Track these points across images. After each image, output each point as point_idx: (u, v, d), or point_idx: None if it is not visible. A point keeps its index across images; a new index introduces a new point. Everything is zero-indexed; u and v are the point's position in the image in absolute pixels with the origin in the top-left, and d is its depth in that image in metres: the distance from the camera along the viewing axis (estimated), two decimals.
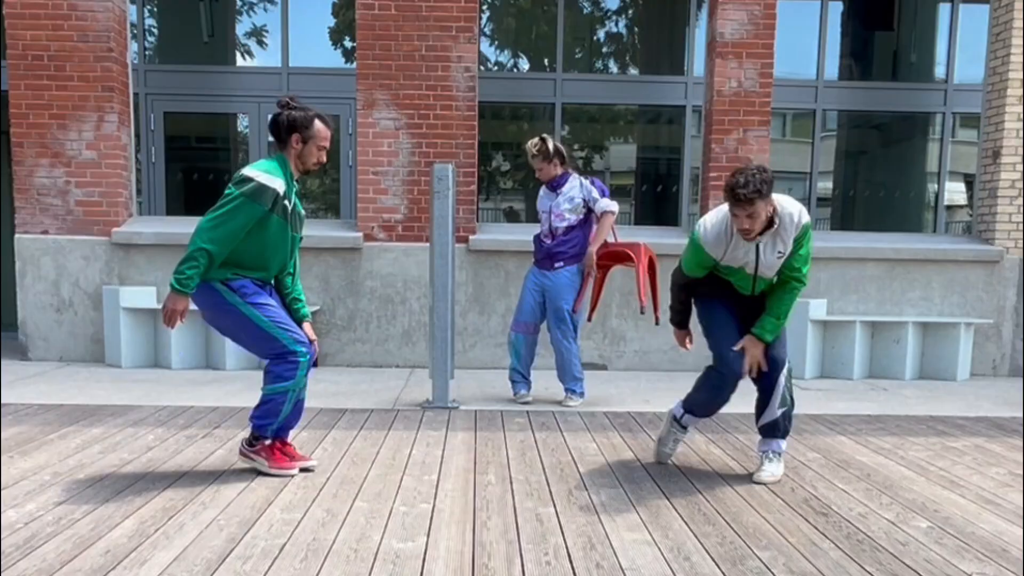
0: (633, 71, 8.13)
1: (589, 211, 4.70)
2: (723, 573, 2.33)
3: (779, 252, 3.05)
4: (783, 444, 3.36)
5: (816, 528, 2.74)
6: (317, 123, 3.16)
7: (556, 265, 4.73)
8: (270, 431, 3.26)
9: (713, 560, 2.43)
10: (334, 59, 7.56)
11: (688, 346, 3.48)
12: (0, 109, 6.57)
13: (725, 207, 3.02)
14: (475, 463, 3.51)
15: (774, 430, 3.31)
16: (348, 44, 7.51)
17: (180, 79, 6.98)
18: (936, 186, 7.63)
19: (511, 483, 3.21)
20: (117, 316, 5.94)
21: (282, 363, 3.20)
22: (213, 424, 4.16)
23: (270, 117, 3.27)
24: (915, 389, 5.74)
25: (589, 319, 4.95)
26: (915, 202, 8.21)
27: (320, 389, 5.24)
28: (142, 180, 6.89)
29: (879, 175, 8.37)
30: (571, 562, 2.39)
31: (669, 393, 5.22)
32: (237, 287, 3.10)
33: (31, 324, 6.27)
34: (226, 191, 3.03)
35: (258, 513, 2.79)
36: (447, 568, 2.33)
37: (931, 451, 3.88)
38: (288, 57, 6.89)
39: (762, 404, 3.30)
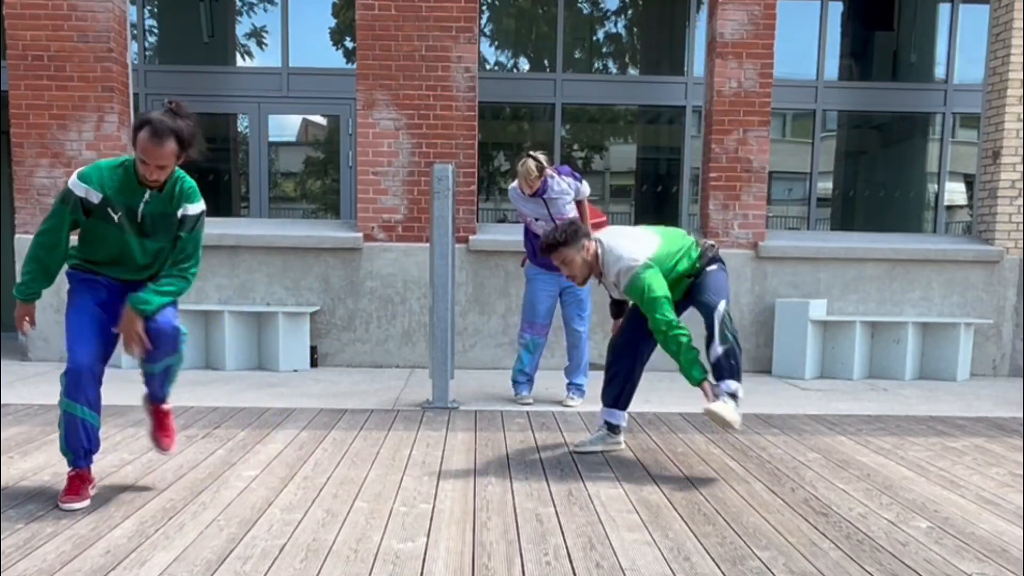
0: (633, 71, 8.13)
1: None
2: (723, 573, 2.33)
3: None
4: (732, 384, 3.29)
5: (816, 528, 2.74)
6: (140, 133, 2.64)
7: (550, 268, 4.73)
8: (68, 458, 2.89)
9: (713, 560, 2.43)
10: (334, 59, 7.56)
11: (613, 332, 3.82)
12: (0, 109, 6.57)
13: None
14: (475, 463, 3.51)
15: (719, 369, 3.33)
16: (348, 44, 7.51)
17: (180, 79, 6.98)
18: (936, 186, 7.63)
19: (511, 483, 3.21)
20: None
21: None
22: (213, 424, 4.16)
23: None
24: (915, 389, 5.74)
25: None
26: (915, 202, 8.22)
27: (320, 389, 5.24)
28: None
29: (879, 175, 8.38)
30: (571, 562, 2.39)
31: (669, 393, 5.23)
32: (70, 274, 2.97)
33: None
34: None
35: (258, 513, 2.79)
36: (447, 568, 2.33)
37: (931, 451, 3.88)
38: (288, 57, 6.89)
39: (707, 343, 3.38)
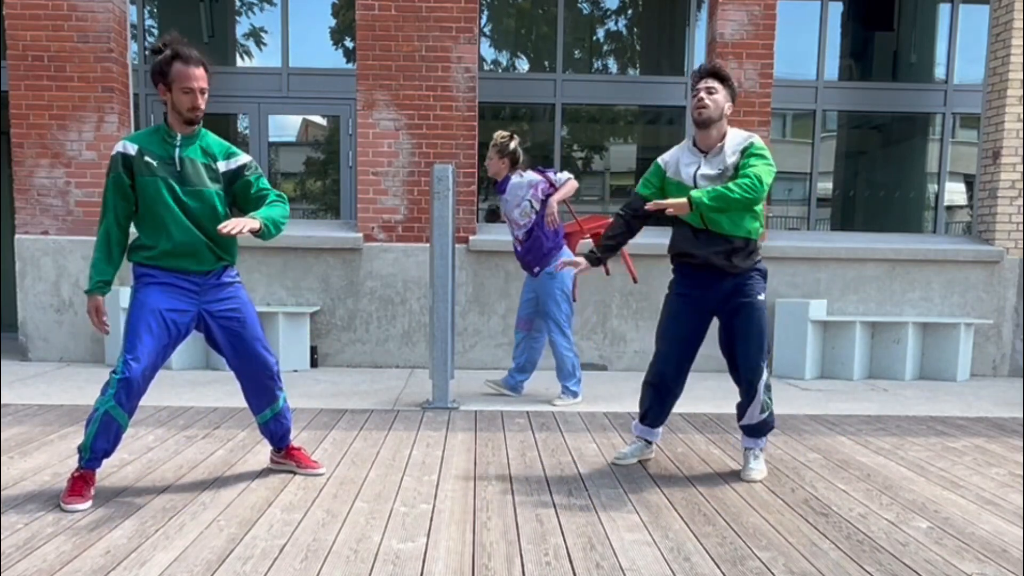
0: (633, 71, 8.13)
1: (542, 204, 4.68)
2: (723, 573, 2.33)
3: (719, 169, 3.17)
4: (764, 441, 3.44)
5: (816, 528, 2.74)
6: (175, 64, 2.79)
7: (535, 271, 4.78)
8: (84, 456, 2.86)
9: (713, 560, 2.43)
10: (334, 59, 7.56)
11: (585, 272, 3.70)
12: (0, 109, 6.57)
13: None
14: (475, 464, 3.51)
15: (757, 432, 3.37)
16: (348, 44, 7.51)
17: None
18: (936, 186, 7.62)
19: (511, 483, 3.21)
20: (117, 316, 5.93)
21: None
22: (213, 424, 4.16)
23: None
24: (915, 389, 5.74)
25: (574, 299, 4.95)
26: (915, 202, 8.21)
27: (320, 389, 5.24)
28: None
29: (879, 175, 8.37)
30: (571, 562, 2.39)
31: None
32: (136, 271, 2.94)
33: (31, 324, 6.27)
34: None
35: (258, 513, 2.79)
36: (447, 568, 2.33)
37: (931, 451, 3.88)
38: (288, 57, 6.89)
39: (743, 407, 3.36)
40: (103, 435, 2.83)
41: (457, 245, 5.53)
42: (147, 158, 2.85)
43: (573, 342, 4.86)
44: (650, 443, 3.63)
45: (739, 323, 3.23)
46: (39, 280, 6.23)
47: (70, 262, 6.22)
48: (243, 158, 3.01)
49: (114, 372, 2.78)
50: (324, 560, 2.37)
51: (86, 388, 5.14)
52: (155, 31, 7.55)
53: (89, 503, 2.82)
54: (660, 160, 3.40)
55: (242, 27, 7.56)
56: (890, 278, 6.52)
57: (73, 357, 6.29)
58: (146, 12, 7.36)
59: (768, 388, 3.29)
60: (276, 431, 3.27)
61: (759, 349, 3.24)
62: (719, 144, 3.19)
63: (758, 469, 3.36)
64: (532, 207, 4.67)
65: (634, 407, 4.83)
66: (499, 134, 4.75)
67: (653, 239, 6.40)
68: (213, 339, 3.06)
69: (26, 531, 2.57)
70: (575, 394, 4.90)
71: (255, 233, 2.82)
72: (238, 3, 7.57)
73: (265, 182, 3.04)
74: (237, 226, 2.74)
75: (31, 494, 2.95)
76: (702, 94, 3.16)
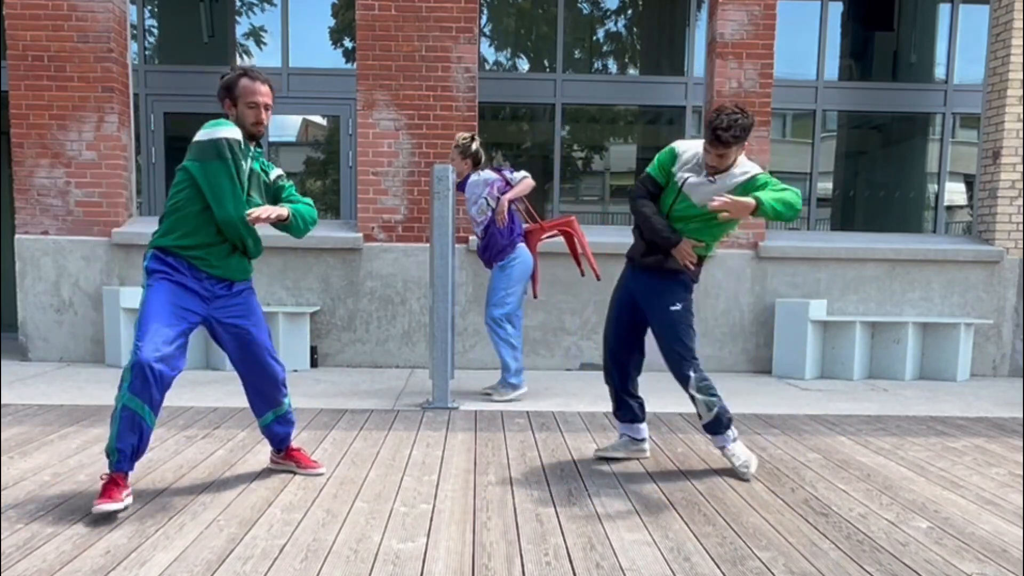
0: (633, 71, 8.13)
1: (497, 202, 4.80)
2: (723, 573, 2.33)
3: (715, 190, 3.13)
4: (730, 433, 3.38)
5: (816, 528, 2.74)
6: (242, 81, 2.92)
7: (492, 265, 4.92)
8: (112, 458, 2.74)
9: (713, 560, 2.43)
10: (334, 59, 7.56)
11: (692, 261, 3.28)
12: (0, 109, 6.57)
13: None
14: (475, 463, 3.51)
15: (714, 428, 3.36)
16: (348, 44, 7.51)
17: (180, 79, 6.98)
18: (936, 186, 7.62)
19: (511, 483, 3.21)
20: (117, 317, 5.94)
21: None
22: (213, 424, 4.16)
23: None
24: (915, 389, 5.74)
25: (535, 296, 5.15)
26: (915, 202, 8.21)
27: (320, 389, 5.24)
28: (142, 181, 6.90)
29: (879, 175, 8.38)
30: (571, 562, 2.39)
31: (669, 393, 5.20)
32: (153, 260, 2.89)
33: (31, 324, 6.27)
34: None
35: (258, 513, 2.79)
36: (447, 568, 2.33)
37: (931, 451, 3.88)
38: (288, 57, 6.89)
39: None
40: (126, 432, 2.69)
41: (457, 245, 5.53)
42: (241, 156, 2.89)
43: (511, 334, 4.91)
44: (637, 440, 3.63)
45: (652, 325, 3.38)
46: (39, 280, 6.23)
47: (70, 262, 6.22)
48: (278, 169, 3.13)
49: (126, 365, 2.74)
50: (324, 560, 2.37)
51: (86, 388, 5.14)
52: (155, 31, 7.55)
53: (121, 504, 2.68)
54: (679, 148, 3.27)
55: (242, 27, 7.56)
56: (890, 278, 6.52)
57: (73, 357, 6.29)
58: (146, 12, 7.36)
59: (703, 389, 3.26)
60: (278, 433, 3.26)
61: (680, 348, 3.30)
62: (725, 173, 3.21)
63: (742, 459, 3.36)
64: (488, 204, 4.77)
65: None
66: (460, 135, 4.90)
67: None
68: (219, 342, 3.06)
69: (26, 531, 2.57)
70: (514, 387, 4.96)
71: (282, 221, 2.89)
72: (238, 3, 7.57)
73: (295, 190, 3.14)
74: (265, 212, 2.78)
75: (31, 494, 2.95)
76: (717, 158, 3.11)
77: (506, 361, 4.92)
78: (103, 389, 5.10)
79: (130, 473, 2.80)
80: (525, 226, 5.01)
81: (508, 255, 4.80)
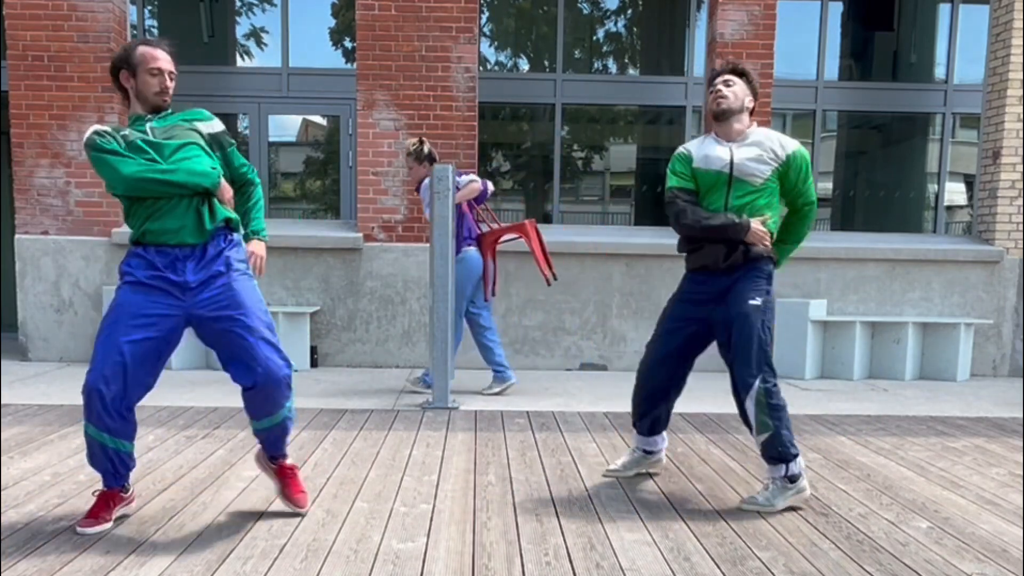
0: (633, 71, 8.13)
1: (457, 205, 4.84)
2: (723, 573, 2.33)
3: (756, 155, 2.96)
4: (783, 469, 2.92)
5: (816, 528, 2.74)
6: (138, 50, 2.64)
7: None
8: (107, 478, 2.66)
9: (713, 560, 2.43)
10: (334, 59, 7.56)
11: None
12: (0, 109, 6.57)
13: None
14: (475, 463, 3.51)
15: (766, 456, 2.95)
16: (348, 44, 7.51)
17: (180, 79, 6.90)
18: (936, 186, 7.62)
19: (511, 483, 3.21)
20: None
21: None
22: (213, 424, 4.16)
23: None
24: (915, 389, 5.74)
25: (493, 294, 5.15)
26: (915, 202, 8.21)
27: (320, 389, 5.24)
28: None
29: (879, 175, 8.37)
30: (571, 562, 2.39)
31: None
32: (124, 265, 2.70)
33: (31, 324, 6.27)
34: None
35: (258, 513, 2.79)
36: (447, 568, 2.33)
37: (931, 451, 3.88)
38: (288, 57, 6.89)
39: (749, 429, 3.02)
40: (96, 459, 2.61)
41: None
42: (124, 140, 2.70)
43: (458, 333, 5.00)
44: (651, 452, 3.36)
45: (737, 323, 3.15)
46: (39, 280, 6.23)
47: (70, 262, 6.22)
48: (216, 127, 2.89)
49: None
50: (324, 560, 2.37)
51: None
52: (155, 31, 7.55)
53: (107, 525, 2.59)
54: (684, 150, 3.10)
55: (242, 27, 7.56)
56: (890, 278, 6.52)
57: (73, 357, 6.29)
58: (146, 12, 7.36)
59: (762, 405, 2.87)
60: (269, 438, 2.80)
61: (745, 361, 2.94)
62: (741, 138, 3.01)
63: (763, 499, 2.93)
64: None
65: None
66: (409, 142, 5.04)
67: (653, 239, 6.41)
68: (208, 343, 2.82)
69: (26, 531, 2.57)
70: (506, 380, 5.08)
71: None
72: (238, 3, 7.57)
73: (238, 160, 3.00)
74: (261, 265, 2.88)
75: (31, 494, 2.95)
76: (719, 86, 3.01)
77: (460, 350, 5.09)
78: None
79: (128, 481, 2.72)
80: (488, 229, 5.07)
81: (461, 251, 4.88)
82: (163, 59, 2.68)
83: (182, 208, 2.60)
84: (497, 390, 5.09)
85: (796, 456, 2.93)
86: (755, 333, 2.89)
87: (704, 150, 3.04)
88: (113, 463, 2.61)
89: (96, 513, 2.62)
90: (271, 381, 2.61)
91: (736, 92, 3.01)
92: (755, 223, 2.94)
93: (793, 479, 2.92)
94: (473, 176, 4.98)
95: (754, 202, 2.97)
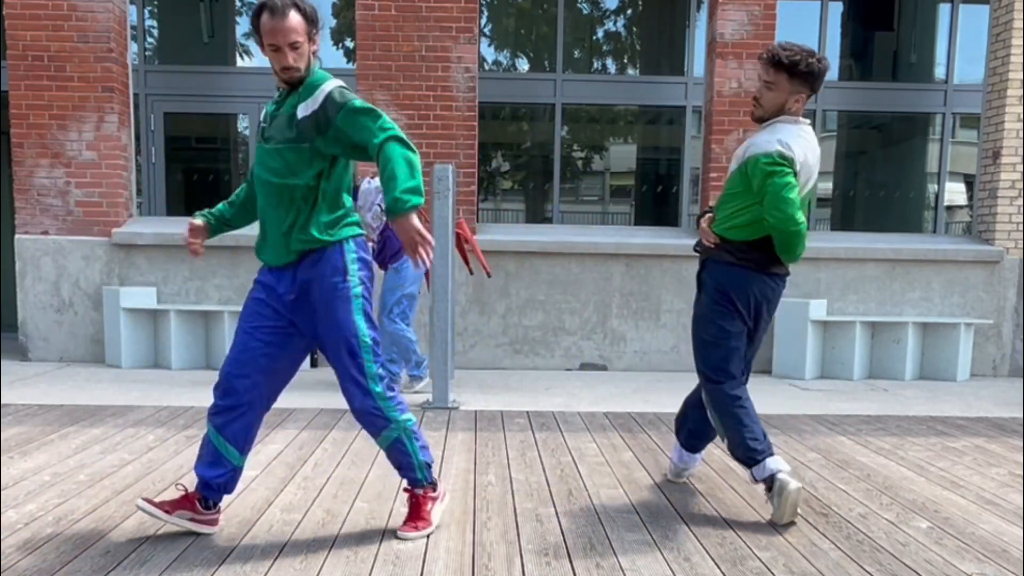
0: (633, 71, 8.14)
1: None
2: (723, 573, 2.33)
3: (739, 152, 2.85)
4: (754, 471, 2.77)
5: (816, 528, 2.74)
6: (261, 19, 2.35)
7: (384, 268, 5.02)
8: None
9: (713, 560, 2.43)
10: (334, 59, 7.56)
11: None
12: (0, 109, 6.57)
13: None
14: (475, 463, 3.51)
15: (734, 456, 2.87)
16: (348, 44, 7.51)
17: (180, 79, 6.97)
18: (936, 186, 7.62)
19: (511, 483, 3.21)
20: (117, 316, 5.94)
21: None
22: None
23: None
24: (915, 389, 5.74)
25: (488, 275, 5.37)
26: (915, 202, 8.21)
27: (320, 389, 5.24)
28: (142, 181, 6.89)
29: (879, 175, 8.38)
30: (571, 562, 2.39)
31: (669, 393, 5.22)
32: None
33: (31, 324, 6.27)
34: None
35: (258, 513, 2.79)
36: (447, 568, 2.33)
37: (931, 451, 3.88)
38: None
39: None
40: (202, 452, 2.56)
41: None
42: (262, 123, 2.71)
43: (408, 329, 5.01)
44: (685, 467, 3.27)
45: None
46: (39, 280, 6.23)
47: (70, 262, 6.22)
48: (319, 95, 2.44)
49: None
50: (324, 560, 2.37)
51: (86, 388, 5.14)
52: (155, 31, 7.55)
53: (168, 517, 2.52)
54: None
55: (242, 27, 7.56)
56: (890, 278, 6.52)
57: (73, 357, 6.29)
58: (146, 12, 7.36)
59: (713, 405, 2.90)
60: (391, 461, 2.64)
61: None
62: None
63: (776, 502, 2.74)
64: (382, 210, 4.83)
65: (635, 407, 4.85)
66: None
67: (653, 239, 6.40)
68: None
69: (26, 531, 2.57)
70: (419, 378, 5.12)
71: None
72: (238, 3, 7.57)
73: (359, 125, 2.44)
74: (418, 247, 2.38)
75: (31, 494, 2.95)
76: (755, 93, 2.80)
77: (416, 354, 5.06)
78: (103, 389, 5.10)
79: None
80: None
81: (402, 257, 4.90)
82: (281, 30, 2.31)
83: (268, 222, 2.56)
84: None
85: (758, 461, 2.75)
86: (693, 336, 2.98)
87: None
88: (212, 467, 2.54)
89: (169, 505, 2.54)
90: (354, 414, 2.55)
91: (772, 98, 2.76)
92: (702, 221, 2.94)
93: (768, 484, 2.73)
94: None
95: (723, 203, 2.86)
